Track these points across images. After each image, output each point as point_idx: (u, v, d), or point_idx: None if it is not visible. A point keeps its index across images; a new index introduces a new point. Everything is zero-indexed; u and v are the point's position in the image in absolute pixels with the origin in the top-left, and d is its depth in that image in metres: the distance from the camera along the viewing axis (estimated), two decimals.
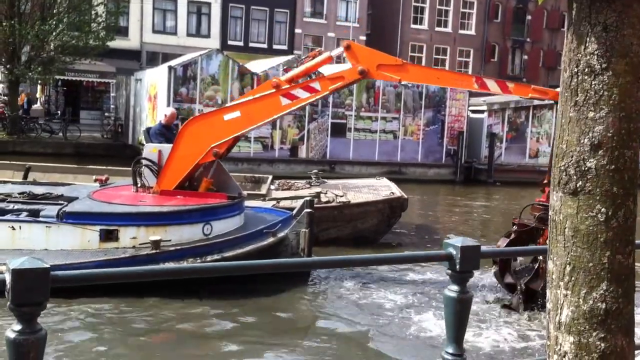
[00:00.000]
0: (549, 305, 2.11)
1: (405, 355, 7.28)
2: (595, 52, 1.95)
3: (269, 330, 7.93)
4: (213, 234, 9.04)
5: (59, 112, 33.11)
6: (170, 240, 8.53)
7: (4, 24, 25.89)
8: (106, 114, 33.67)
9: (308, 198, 9.90)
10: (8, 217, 8.61)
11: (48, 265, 2.33)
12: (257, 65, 25.37)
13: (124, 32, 36.03)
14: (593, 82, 1.96)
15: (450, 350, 3.34)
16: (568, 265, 2.03)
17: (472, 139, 26.75)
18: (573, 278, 2.02)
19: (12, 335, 2.31)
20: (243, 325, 8.00)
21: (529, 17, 47.85)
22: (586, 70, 1.98)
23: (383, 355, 7.25)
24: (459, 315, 3.33)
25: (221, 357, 7.13)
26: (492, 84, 9.15)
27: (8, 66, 27.07)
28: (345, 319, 8.41)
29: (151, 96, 24.38)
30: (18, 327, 2.31)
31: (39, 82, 31.88)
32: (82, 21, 28.12)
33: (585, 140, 1.98)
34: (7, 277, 2.26)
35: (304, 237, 9.31)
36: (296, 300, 9.15)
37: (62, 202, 9.15)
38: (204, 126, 9.52)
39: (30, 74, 27.20)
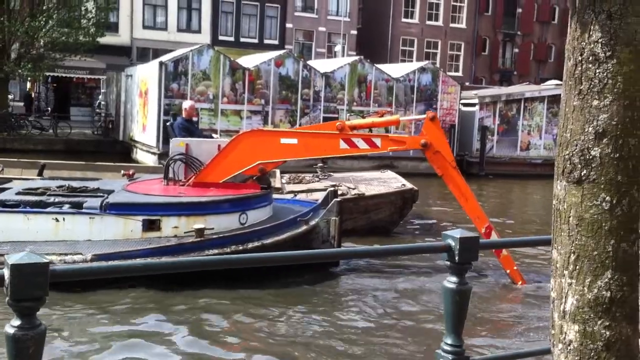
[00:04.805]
0: (553, 294, 2.11)
1: (404, 346, 7.29)
2: (600, 40, 1.94)
3: (274, 314, 7.93)
4: (248, 222, 9.32)
5: (49, 108, 32.91)
6: (213, 229, 8.77)
7: None
8: (97, 110, 33.52)
9: (331, 189, 10.38)
10: (51, 209, 8.73)
11: (47, 260, 2.32)
12: (249, 60, 25.29)
13: (114, 28, 35.84)
14: (597, 71, 1.96)
15: (450, 342, 3.35)
16: (572, 254, 2.03)
17: (464, 132, 26.77)
18: (577, 267, 2.02)
19: (11, 330, 2.30)
20: (248, 314, 7.97)
21: (519, 10, 47.96)
22: (590, 58, 1.97)
23: (380, 345, 7.25)
24: (458, 307, 3.34)
25: (223, 348, 7.12)
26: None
27: None
28: (342, 308, 8.43)
29: (142, 92, 24.27)
30: (17, 322, 2.30)
31: (29, 78, 31.69)
32: (71, 17, 27.95)
33: (590, 128, 1.98)
34: (6, 272, 2.25)
35: (334, 225, 9.73)
36: (296, 287, 9.20)
37: (101, 194, 9.30)
38: (260, 142, 9.78)
39: (20, 70, 27.03)
